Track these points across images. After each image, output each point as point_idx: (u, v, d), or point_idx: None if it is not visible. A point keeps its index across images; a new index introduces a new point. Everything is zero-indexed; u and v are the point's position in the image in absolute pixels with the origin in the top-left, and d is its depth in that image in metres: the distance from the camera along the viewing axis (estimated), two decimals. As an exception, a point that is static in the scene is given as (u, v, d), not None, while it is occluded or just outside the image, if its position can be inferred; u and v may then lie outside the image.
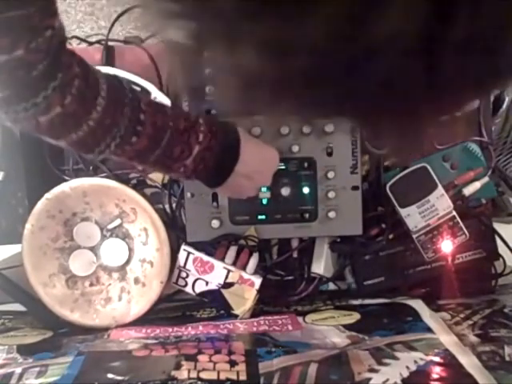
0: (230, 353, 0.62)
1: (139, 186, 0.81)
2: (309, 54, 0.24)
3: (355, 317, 0.74)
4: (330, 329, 0.70)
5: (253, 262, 0.78)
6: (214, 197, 0.77)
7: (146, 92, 0.77)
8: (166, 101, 0.77)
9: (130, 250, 0.80)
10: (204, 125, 0.62)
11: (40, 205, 0.75)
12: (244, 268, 0.78)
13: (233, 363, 0.60)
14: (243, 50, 0.26)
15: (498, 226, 0.82)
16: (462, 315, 0.70)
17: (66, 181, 0.77)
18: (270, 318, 0.75)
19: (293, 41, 0.24)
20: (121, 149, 0.56)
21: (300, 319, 0.74)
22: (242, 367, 0.59)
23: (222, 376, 0.57)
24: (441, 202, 0.77)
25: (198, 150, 0.60)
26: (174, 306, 0.82)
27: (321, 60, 0.24)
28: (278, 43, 0.25)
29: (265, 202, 0.78)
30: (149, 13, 0.28)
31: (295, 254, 0.82)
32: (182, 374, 0.57)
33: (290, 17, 0.24)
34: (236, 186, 0.67)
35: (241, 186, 0.67)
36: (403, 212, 0.77)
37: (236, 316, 0.77)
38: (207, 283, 0.78)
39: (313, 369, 0.58)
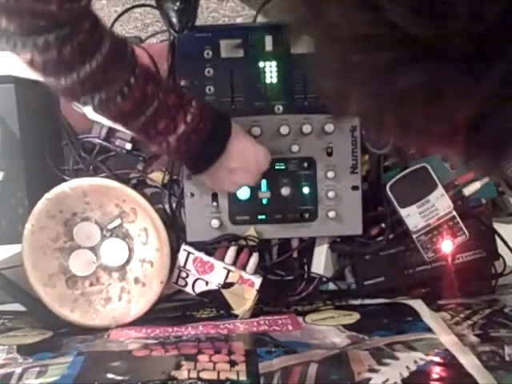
0: (230, 353, 0.62)
1: (139, 186, 0.81)
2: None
3: (355, 317, 0.74)
4: (329, 329, 0.70)
5: (253, 261, 0.78)
6: (214, 197, 0.77)
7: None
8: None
9: (130, 249, 0.80)
10: (196, 108, 0.62)
11: (40, 205, 0.75)
12: (244, 268, 0.78)
13: (233, 363, 0.60)
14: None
15: (498, 226, 0.82)
16: (462, 315, 0.71)
17: (66, 181, 0.77)
18: (270, 317, 0.75)
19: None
20: (105, 105, 0.57)
21: (300, 319, 0.74)
22: (241, 367, 0.59)
23: (222, 376, 0.57)
24: (441, 202, 0.77)
25: (183, 130, 0.61)
26: (173, 306, 0.82)
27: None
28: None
29: (265, 201, 0.78)
30: None
31: (295, 254, 0.82)
32: (182, 374, 0.57)
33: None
34: (217, 178, 0.67)
35: (222, 179, 0.67)
36: (403, 212, 0.77)
37: (236, 316, 0.77)
38: (207, 283, 0.78)
39: (313, 369, 0.58)
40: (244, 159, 0.67)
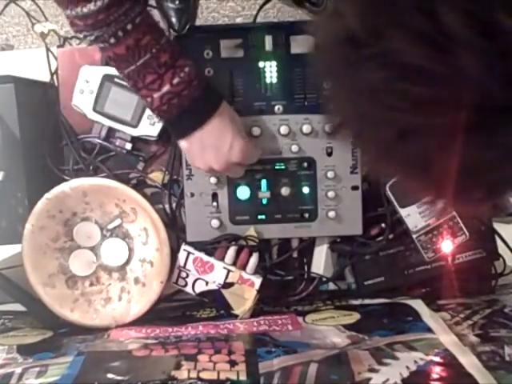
0: (230, 353, 0.62)
1: (139, 186, 0.81)
2: None
3: (355, 317, 0.74)
4: (329, 329, 0.70)
5: (253, 261, 0.78)
6: (214, 197, 0.77)
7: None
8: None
9: (130, 249, 0.80)
10: (187, 74, 0.62)
11: (40, 205, 0.75)
12: (244, 268, 0.78)
13: (233, 363, 0.60)
14: None
15: (498, 226, 0.82)
16: (462, 315, 0.71)
17: (66, 181, 0.77)
18: (270, 317, 0.75)
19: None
20: (100, 43, 0.60)
21: (300, 319, 0.74)
22: (242, 367, 0.59)
23: (222, 376, 0.57)
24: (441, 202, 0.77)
25: (167, 90, 0.62)
26: (173, 306, 0.82)
27: None
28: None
29: (265, 201, 0.78)
30: None
31: (295, 254, 0.82)
32: (182, 374, 0.57)
33: None
34: (191, 150, 0.68)
35: (195, 153, 0.68)
36: (403, 212, 0.77)
37: (236, 316, 0.77)
38: (207, 283, 0.78)
39: (313, 369, 0.58)
40: (219, 141, 0.66)
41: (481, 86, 0.30)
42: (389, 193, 0.78)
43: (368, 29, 0.33)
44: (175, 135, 0.68)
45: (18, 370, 0.60)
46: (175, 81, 0.62)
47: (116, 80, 0.77)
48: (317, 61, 0.40)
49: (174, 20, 0.77)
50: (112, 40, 0.59)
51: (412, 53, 0.31)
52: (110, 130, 0.79)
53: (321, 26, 0.40)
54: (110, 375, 0.58)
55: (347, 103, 0.39)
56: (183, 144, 0.68)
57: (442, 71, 0.31)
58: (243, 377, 0.57)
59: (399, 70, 0.32)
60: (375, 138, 0.38)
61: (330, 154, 0.77)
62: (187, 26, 0.77)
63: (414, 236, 0.78)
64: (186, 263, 0.78)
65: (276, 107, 0.76)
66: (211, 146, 0.66)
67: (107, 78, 0.77)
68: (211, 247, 0.79)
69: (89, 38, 0.59)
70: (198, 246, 0.78)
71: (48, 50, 0.82)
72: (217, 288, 0.78)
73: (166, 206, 0.81)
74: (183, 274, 0.78)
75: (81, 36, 0.61)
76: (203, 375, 0.57)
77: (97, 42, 0.60)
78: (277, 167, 0.77)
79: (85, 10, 0.56)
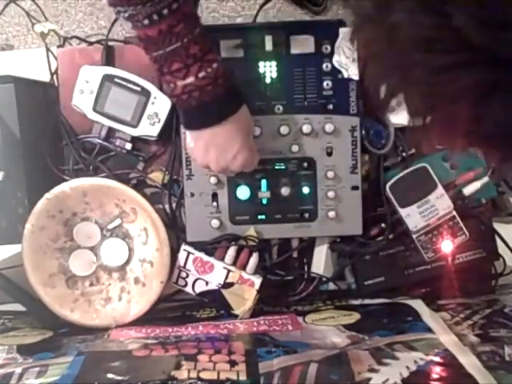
0: (230, 353, 0.62)
1: (139, 186, 0.81)
2: None
3: (355, 317, 0.74)
4: (329, 329, 0.70)
5: (253, 261, 0.78)
6: (214, 197, 0.77)
7: (147, 92, 0.77)
8: (166, 101, 0.77)
9: (130, 249, 0.80)
10: (214, 71, 0.61)
11: (40, 205, 0.75)
12: (244, 268, 0.78)
13: (233, 363, 0.60)
14: None
15: (498, 226, 0.82)
16: (462, 315, 0.71)
17: (66, 181, 0.77)
18: (270, 317, 0.75)
19: None
20: (133, 22, 0.59)
21: (300, 319, 0.74)
22: (242, 367, 0.59)
23: (222, 376, 0.57)
24: (441, 202, 0.77)
25: (190, 81, 0.61)
26: (173, 306, 0.82)
27: None
28: None
29: (265, 201, 0.78)
30: None
31: (295, 254, 0.82)
32: (182, 374, 0.57)
33: None
34: (196, 144, 0.67)
35: (198, 147, 0.67)
36: (403, 212, 0.77)
37: (236, 316, 0.77)
38: (207, 283, 0.78)
39: (313, 369, 0.58)
40: (225, 146, 0.66)
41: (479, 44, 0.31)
42: (389, 193, 0.78)
43: (378, 5, 0.36)
44: (186, 125, 0.67)
45: (18, 370, 0.60)
46: (201, 74, 0.61)
47: (116, 80, 0.77)
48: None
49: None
50: (146, 21, 0.58)
51: (415, 23, 0.33)
52: (110, 130, 0.79)
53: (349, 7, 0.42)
54: (109, 375, 0.58)
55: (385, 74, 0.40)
56: (190, 134, 0.68)
57: (445, 36, 0.32)
58: (243, 377, 0.57)
59: (411, 43, 0.34)
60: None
61: (330, 154, 0.77)
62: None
63: (414, 236, 0.78)
64: (186, 263, 0.78)
65: (276, 107, 0.76)
66: (217, 147, 0.66)
67: (107, 78, 0.77)
68: (211, 247, 0.79)
69: (122, 14, 0.58)
70: (198, 246, 0.78)
71: (48, 49, 0.82)
72: (217, 288, 0.78)
73: (166, 206, 0.81)
74: (183, 274, 0.78)
75: (115, 11, 0.59)
76: (203, 375, 0.57)
77: (130, 19, 0.59)
78: (277, 167, 0.77)
79: None
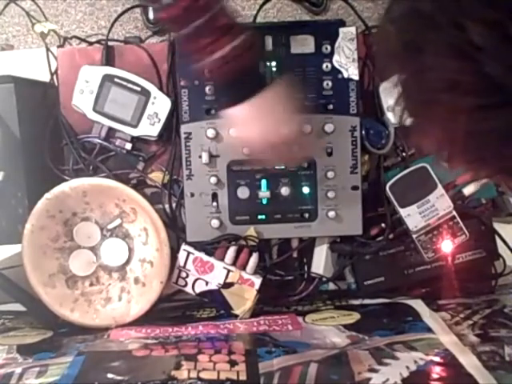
0: (230, 353, 0.62)
1: (139, 186, 0.81)
2: None
3: (355, 317, 0.74)
4: (329, 329, 0.70)
5: (253, 261, 0.78)
6: (214, 197, 0.77)
7: (147, 92, 0.77)
8: (166, 100, 0.77)
9: (130, 249, 0.80)
10: (243, 40, 0.60)
11: (40, 205, 0.75)
12: (244, 268, 0.78)
13: (233, 363, 0.60)
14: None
15: (498, 226, 0.82)
16: (462, 315, 0.71)
17: (66, 181, 0.77)
18: (270, 317, 0.75)
19: None
20: (158, 2, 0.58)
21: (300, 319, 0.74)
22: (242, 367, 0.59)
23: (222, 376, 0.57)
24: (441, 202, 0.77)
25: (224, 53, 0.59)
26: (173, 306, 0.82)
27: None
28: None
29: (265, 201, 0.78)
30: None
31: (295, 254, 0.82)
32: (182, 374, 0.57)
33: None
34: (243, 117, 0.64)
35: (247, 120, 0.64)
36: (403, 212, 0.77)
37: (236, 316, 0.77)
38: (207, 283, 0.78)
39: (313, 369, 0.58)
40: (273, 111, 0.64)
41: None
42: (389, 193, 0.78)
43: (407, 46, 0.37)
44: (229, 101, 0.64)
45: (18, 370, 0.60)
46: (230, 46, 0.59)
47: (116, 80, 0.77)
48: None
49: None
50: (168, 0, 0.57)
51: (445, 67, 0.35)
52: (110, 130, 0.80)
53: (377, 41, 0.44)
54: (110, 375, 0.58)
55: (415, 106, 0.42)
56: (235, 110, 0.64)
57: (475, 80, 0.34)
58: (243, 377, 0.57)
59: (439, 84, 0.36)
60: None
61: (330, 154, 0.77)
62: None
63: (414, 236, 0.78)
64: (186, 263, 0.78)
65: (276, 107, 0.76)
66: (265, 115, 0.63)
67: (107, 78, 0.77)
68: (211, 247, 0.79)
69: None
70: (198, 246, 0.78)
71: (48, 49, 0.82)
72: (217, 288, 0.78)
73: (166, 206, 0.81)
74: (183, 274, 0.78)
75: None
76: (203, 375, 0.57)
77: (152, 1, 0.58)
78: (277, 167, 0.77)
79: None
